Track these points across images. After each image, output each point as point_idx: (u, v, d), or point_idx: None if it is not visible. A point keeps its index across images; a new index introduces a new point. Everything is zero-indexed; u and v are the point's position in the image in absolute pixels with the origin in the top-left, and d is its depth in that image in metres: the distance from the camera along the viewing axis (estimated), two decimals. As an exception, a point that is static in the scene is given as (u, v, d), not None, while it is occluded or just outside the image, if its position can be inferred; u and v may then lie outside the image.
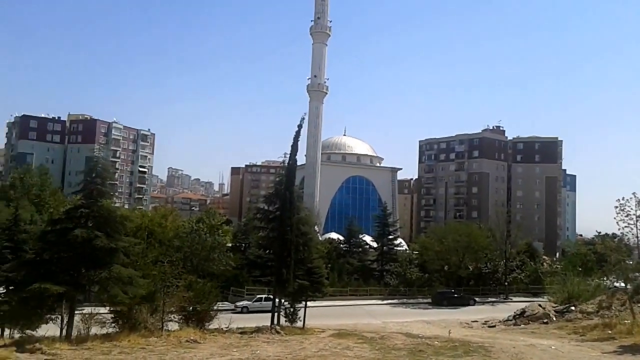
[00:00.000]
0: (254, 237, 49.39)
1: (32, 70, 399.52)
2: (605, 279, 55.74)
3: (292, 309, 36.04)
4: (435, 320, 45.04)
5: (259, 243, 39.78)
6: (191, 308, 30.49)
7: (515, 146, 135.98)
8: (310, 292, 36.33)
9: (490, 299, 63.68)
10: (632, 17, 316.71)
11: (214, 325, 30.97)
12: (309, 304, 37.38)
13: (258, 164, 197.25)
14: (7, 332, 28.76)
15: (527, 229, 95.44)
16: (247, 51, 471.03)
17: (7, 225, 36.96)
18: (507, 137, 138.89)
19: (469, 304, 58.95)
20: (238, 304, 50.25)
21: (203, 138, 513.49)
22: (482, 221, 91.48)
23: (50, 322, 27.47)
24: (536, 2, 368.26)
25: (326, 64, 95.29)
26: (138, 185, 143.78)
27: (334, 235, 79.77)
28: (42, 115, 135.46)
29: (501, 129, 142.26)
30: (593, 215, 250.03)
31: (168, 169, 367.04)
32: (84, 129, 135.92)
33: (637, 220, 35.08)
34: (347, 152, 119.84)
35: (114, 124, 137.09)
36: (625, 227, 35.33)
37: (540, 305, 42.03)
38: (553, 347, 27.30)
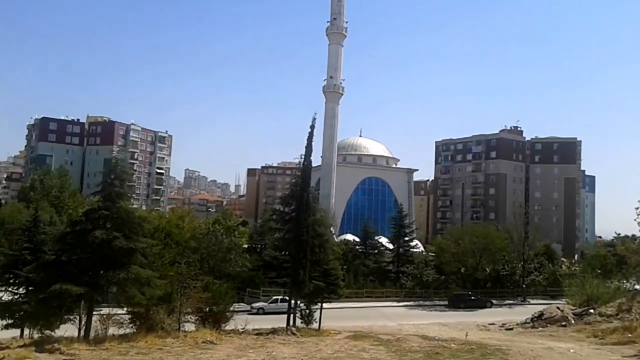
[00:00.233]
0: (270, 238, 49.59)
1: (52, 73, 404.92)
2: (625, 281, 55.19)
3: (307, 311, 36.03)
4: (451, 323, 44.75)
5: (274, 244, 39.88)
6: (208, 309, 30.63)
7: (533, 147, 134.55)
8: (326, 294, 36.32)
9: (507, 302, 63.15)
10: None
11: (230, 326, 31.08)
12: (324, 305, 37.35)
13: (274, 165, 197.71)
14: (26, 332, 29.17)
15: (545, 230, 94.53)
16: (264, 52, 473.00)
17: (26, 226, 37.32)
18: (525, 138, 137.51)
19: (485, 307, 58.47)
20: (254, 305, 50.38)
21: (220, 139, 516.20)
22: (500, 223, 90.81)
23: (69, 322, 27.83)
24: (555, 3, 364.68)
25: (342, 65, 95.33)
26: (155, 186, 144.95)
27: (349, 237, 79.68)
28: (62, 118, 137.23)
29: (519, 129, 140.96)
30: (612, 217, 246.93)
31: (185, 170, 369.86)
32: (103, 131, 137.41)
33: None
34: (363, 153, 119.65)
35: (132, 126, 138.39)
36: (646, 228, 34.77)
37: (558, 308, 41.51)
38: (572, 351, 26.96)
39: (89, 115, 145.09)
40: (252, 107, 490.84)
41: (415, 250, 71.70)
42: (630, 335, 30.36)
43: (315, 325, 35.36)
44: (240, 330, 30.48)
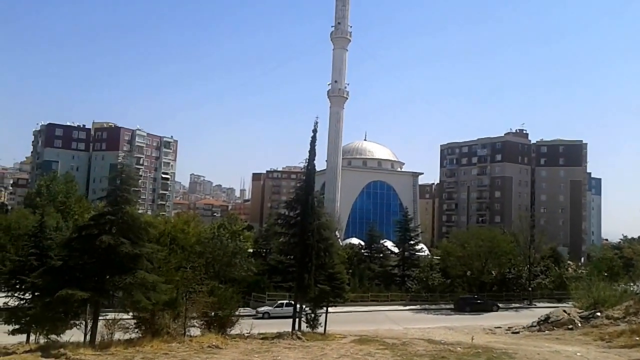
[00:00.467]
0: (275, 242, 49.64)
1: (57, 79, 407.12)
2: (632, 283, 54.90)
3: (313, 315, 36.01)
4: (457, 327, 44.61)
5: (280, 249, 39.91)
6: (213, 314, 30.62)
7: (538, 149, 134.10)
8: (332, 298, 36.30)
9: (513, 305, 62.95)
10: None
11: (235, 330, 31.04)
12: (330, 309, 37.33)
13: (279, 169, 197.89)
14: (32, 337, 29.23)
15: (551, 233, 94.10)
16: (269, 56, 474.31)
17: (33, 232, 37.50)
18: (530, 141, 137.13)
19: (492, 310, 58.30)
20: (259, 309, 50.40)
21: (224, 144, 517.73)
22: (506, 226, 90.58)
23: (75, 327, 27.87)
24: (560, 5, 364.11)
25: (347, 69, 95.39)
26: (161, 191, 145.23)
27: (355, 241, 79.67)
28: (67, 124, 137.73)
29: (524, 132, 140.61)
30: (619, 219, 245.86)
31: (190, 175, 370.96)
32: (108, 137, 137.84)
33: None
34: (367, 157, 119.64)
35: (137, 132, 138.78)
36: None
37: (565, 311, 41.28)
38: (578, 354, 26.80)
39: (95, 121, 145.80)
40: (256, 112, 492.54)
41: (420, 253, 71.61)
42: (637, 338, 30.14)
43: (320, 330, 35.31)
44: (246, 335, 30.43)
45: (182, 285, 29.86)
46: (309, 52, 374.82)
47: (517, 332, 40.17)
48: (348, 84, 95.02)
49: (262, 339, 29.91)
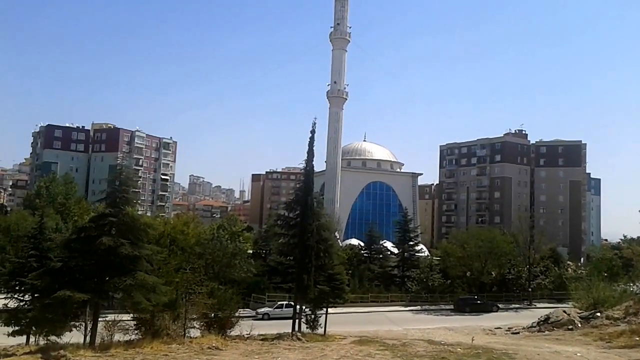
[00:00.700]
0: (275, 243, 49.63)
1: (57, 80, 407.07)
2: (632, 284, 54.92)
3: (313, 316, 36.01)
4: (457, 327, 44.62)
5: (279, 250, 39.89)
6: (213, 315, 30.61)
7: (538, 150, 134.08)
8: (331, 299, 36.29)
9: (513, 305, 62.94)
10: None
11: (235, 332, 31.03)
12: (330, 310, 37.32)
13: (278, 170, 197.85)
14: (32, 339, 29.20)
15: (550, 234, 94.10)
16: (268, 57, 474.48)
17: (32, 233, 37.47)
18: (529, 141, 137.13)
19: (491, 311, 58.32)
20: (259, 310, 50.38)
21: (224, 145, 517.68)
22: (505, 226, 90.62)
23: (74, 329, 27.84)
24: (560, 6, 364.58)
25: (346, 70, 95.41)
26: (160, 192, 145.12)
27: (354, 242, 79.63)
28: (67, 125, 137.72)
29: (523, 132, 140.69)
30: (618, 220, 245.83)
31: (189, 176, 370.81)
32: (108, 138, 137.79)
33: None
34: (367, 157, 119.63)
35: (136, 133, 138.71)
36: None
37: (564, 312, 41.29)
38: (579, 354, 26.80)
39: (94, 122, 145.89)
40: (256, 113, 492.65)
41: (420, 254, 71.59)
42: (638, 339, 30.14)
43: (320, 331, 35.30)
44: (246, 336, 30.43)
45: (181, 286, 29.85)
46: (308, 53, 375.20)
47: (517, 333, 40.16)
48: (347, 85, 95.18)
49: (262, 340, 29.91)
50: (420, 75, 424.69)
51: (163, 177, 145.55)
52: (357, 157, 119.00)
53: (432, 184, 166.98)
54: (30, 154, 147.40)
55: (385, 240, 75.01)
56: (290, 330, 33.14)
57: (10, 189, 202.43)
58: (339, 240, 73.23)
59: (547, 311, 44.68)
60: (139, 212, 78.54)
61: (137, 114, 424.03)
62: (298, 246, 34.72)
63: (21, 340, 29.20)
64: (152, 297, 25.68)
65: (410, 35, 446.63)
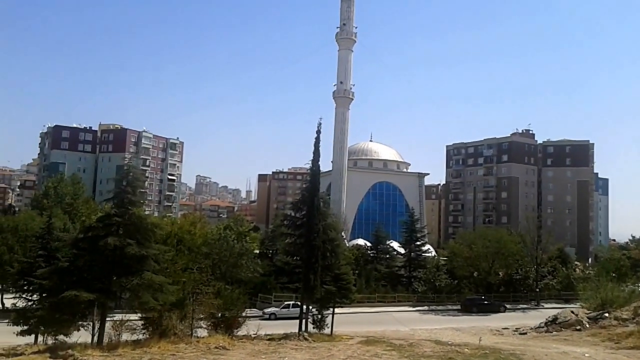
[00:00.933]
0: (281, 243, 49.61)
1: (64, 81, 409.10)
2: (640, 284, 54.55)
3: (319, 316, 35.98)
4: (464, 328, 44.49)
5: (286, 250, 39.88)
6: (220, 315, 30.66)
7: (545, 150, 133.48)
8: (338, 299, 36.26)
9: (521, 306, 62.67)
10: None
11: (242, 332, 31.08)
12: (336, 310, 37.30)
13: (285, 170, 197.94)
14: (40, 338, 29.34)
15: (558, 234, 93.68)
16: (274, 58, 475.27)
17: (40, 233, 37.75)
18: (536, 141, 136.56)
19: (499, 311, 58.07)
20: (266, 310, 50.38)
21: (230, 145, 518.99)
22: (512, 226, 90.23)
23: (82, 328, 27.96)
24: (567, 7, 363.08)
25: (352, 70, 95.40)
26: (167, 193, 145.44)
27: (361, 242, 79.54)
28: (74, 126, 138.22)
29: (531, 132, 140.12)
30: (626, 220, 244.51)
31: (196, 176, 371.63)
32: (115, 138, 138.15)
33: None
34: (373, 158, 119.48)
35: (143, 133, 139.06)
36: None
37: (572, 312, 41.10)
38: (587, 355, 26.67)
39: (101, 123, 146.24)
40: (262, 113, 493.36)
41: (427, 254, 71.42)
42: (646, 339, 29.97)
43: (327, 331, 35.28)
44: (253, 336, 30.47)
45: (189, 286, 29.91)
46: (314, 53, 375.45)
47: (525, 333, 40.00)
48: (353, 85, 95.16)
49: (269, 340, 29.94)
50: (426, 75, 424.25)
51: (170, 177, 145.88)
52: (363, 157, 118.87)
53: (439, 184, 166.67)
54: (38, 154, 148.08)
55: (391, 241, 74.85)
56: (297, 330, 33.15)
57: (18, 190, 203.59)
58: (345, 240, 73.18)
59: (554, 311, 44.48)
60: (146, 212, 78.68)
61: (144, 115, 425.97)
62: (304, 246, 34.73)
63: (30, 339, 29.34)
64: (159, 297, 25.78)
65: (417, 35, 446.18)
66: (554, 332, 38.14)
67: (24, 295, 31.57)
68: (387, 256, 70.93)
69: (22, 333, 28.80)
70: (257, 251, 63.61)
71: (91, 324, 27.74)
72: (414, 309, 58.95)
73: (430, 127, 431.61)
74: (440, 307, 60.12)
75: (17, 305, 31.23)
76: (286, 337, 30.93)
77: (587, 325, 37.83)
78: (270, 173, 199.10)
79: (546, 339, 35.87)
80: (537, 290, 65.58)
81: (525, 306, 62.77)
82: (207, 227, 67.48)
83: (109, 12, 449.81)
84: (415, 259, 69.25)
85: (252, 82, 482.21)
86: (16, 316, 29.25)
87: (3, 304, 46.95)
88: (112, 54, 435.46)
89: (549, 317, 41.90)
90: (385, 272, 67.25)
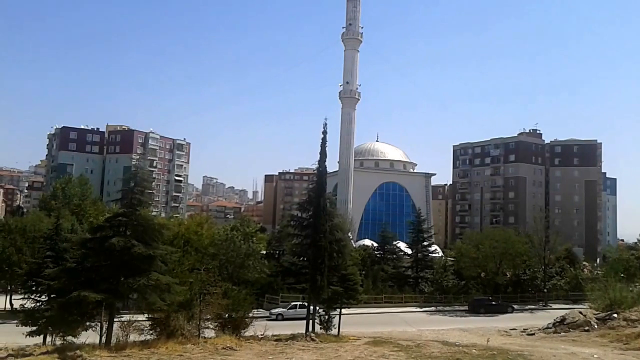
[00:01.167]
0: (288, 244, 49.62)
1: (71, 83, 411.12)
2: (649, 285, 54.17)
3: (326, 317, 35.97)
4: (472, 328, 44.35)
5: (292, 250, 39.86)
6: (227, 315, 30.67)
7: (552, 149, 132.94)
8: (345, 299, 36.27)
9: (529, 306, 62.46)
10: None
11: (249, 332, 31.09)
12: (343, 311, 37.28)
13: (291, 171, 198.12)
14: (49, 339, 29.47)
15: (566, 234, 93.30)
16: (280, 58, 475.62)
17: (48, 234, 37.94)
18: (544, 141, 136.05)
19: (506, 312, 57.90)
20: (273, 311, 50.41)
21: (237, 146, 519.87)
22: (520, 227, 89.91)
23: (90, 329, 28.07)
24: (575, 5, 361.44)
25: (358, 70, 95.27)
26: (174, 193, 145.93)
27: (367, 242, 79.45)
28: (82, 127, 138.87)
29: (538, 132, 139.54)
30: (635, 220, 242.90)
31: (203, 177, 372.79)
32: (122, 140, 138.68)
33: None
34: (380, 158, 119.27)
35: (150, 134, 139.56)
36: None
37: (581, 313, 40.88)
38: (595, 356, 26.52)
39: (109, 124, 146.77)
40: (268, 114, 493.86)
41: (434, 255, 71.28)
42: (655, 340, 29.78)
43: (334, 331, 35.27)
44: (260, 337, 30.48)
45: (196, 286, 29.95)
46: (320, 54, 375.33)
47: (533, 334, 39.83)
48: (360, 85, 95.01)
49: (276, 340, 29.94)
50: (432, 75, 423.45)
51: (177, 178, 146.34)
52: (369, 158, 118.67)
53: (446, 184, 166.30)
54: (46, 155, 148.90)
55: (398, 241, 74.80)
56: (304, 331, 33.13)
57: (26, 191, 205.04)
58: (352, 241, 73.11)
59: (562, 312, 44.27)
60: (153, 213, 79.03)
61: (151, 116, 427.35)
62: (311, 247, 34.71)
63: (38, 340, 29.46)
64: (166, 297, 25.84)
65: (422, 35, 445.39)
66: (562, 333, 37.96)
67: (32, 296, 31.70)
68: (394, 257, 70.86)
69: (31, 334, 28.96)
70: (264, 252, 63.65)
71: (99, 324, 27.85)
72: (421, 309, 58.85)
73: (437, 127, 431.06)
74: (447, 308, 60.00)
75: (25, 306, 31.35)
76: (293, 337, 30.93)
77: (596, 326, 37.63)
78: (277, 174, 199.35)
79: (554, 339, 35.71)
80: (545, 290, 65.31)
81: (533, 307, 62.54)
82: (214, 227, 67.56)
83: (117, 14, 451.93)
84: (422, 260, 69.13)
85: (258, 82, 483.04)
86: (25, 317, 29.38)
87: (12, 304, 47.20)
88: (120, 55, 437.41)
89: (557, 317, 41.71)
90: (392, 272, 67.17)
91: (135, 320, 28.20)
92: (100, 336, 27.26)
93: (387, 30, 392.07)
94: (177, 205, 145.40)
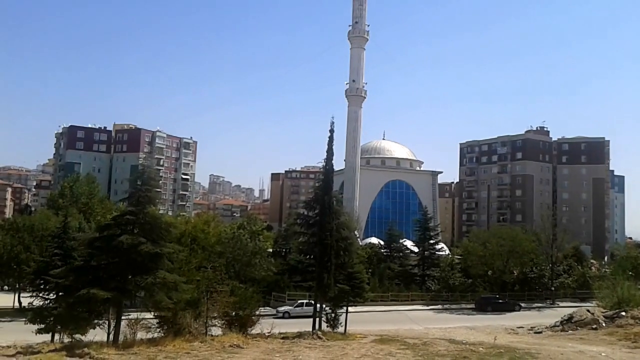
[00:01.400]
0: (295, 242, 49.69)
1: (79, 82, 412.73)
2: (658, 283, 53.83)
3: (333, 315, 36.01)
4: (479, 326, 44.26)
5: (299, 248, 39.94)
6: (234, 313, 30.74)
7: (560, 147, 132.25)
8: (351, 297, 36.31)
9: (536, 305, 62.29)
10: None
11: (256, 330, 31.14)
12: (350, 309, 37.30)
13: (297, 169, 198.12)
14: (57, 336, 29.65)
15: (573, 232, 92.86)
16: (286, 56, 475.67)
17: (56, 233, 38.14)
18: (551, 138, 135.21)
19: (514, 310, 57.71)
20: (280, 309, 50.52)
21: (243, 145, 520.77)
22: (527, 225, 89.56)
23: (98, 327, 28.23)
24: (581, 3, 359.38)
25: (364, 68, 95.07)
26: (181, 192, 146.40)
27: (374, 240, 79.40)
28: (89, 126, 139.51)
29: (545, 129, 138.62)
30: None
31: (210, 175, 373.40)
32: (129, 138, 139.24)
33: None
34: (386, 156, 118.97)
35: (157, 133, 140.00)
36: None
37: (588, 311, 40.71)
38: (603, 354, 26.39)
39: (116, 123, 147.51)
40: (275, 112, 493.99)
41: (440, 253, 71.13)
42: (664, 339, 29.60)
43: (341, 329, 35.31)
44: (267, 334, 30.53)
45: (203, 285, 30.03)
46: (327, 52, 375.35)
47: (540, 332, 39.70)
48: (366, 83, 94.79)
49: (282, 338, 29.96)
50: (439, 73, 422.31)
51: (184, 176, 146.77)
52: (376, 156, 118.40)
53: (452, 182, 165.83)
54: (54, 154, 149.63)
55: (405, 239, 74.68)
56: (310, 329, 33.17)
57: (34, 189, 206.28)
58: (358, 239, 73.05)
59: (570, 310, 44.06)
60: (160, 212, 79.05)
61: (158, 115, 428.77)
62: (318, 245, 34.75)
63: (46, 337, 29.65)
64: (173, 296, 25.92)
65: (430, 33, 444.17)
66: (570, 331, 37.80)
67: (40, 294, 31.90)
68: (401, 255, 70.80)
69: (39, 331, 29.15)
70: (271, 250, 63.77)
71: (107, 322, 28.01)
72: (428, 307, 58.79)
73: (443, 125, 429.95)
74: (454, 306, 59.90)
75: (33, 304, 31.56)
76: (300, 335, 30.95)
77: (604, 324, 37.45)
78: (283, 172, 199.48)
79: (562, 338, 35.56)
80: (553, 288, 65.09)
81: (540, 305, 62.36)
82: (220, 226, 67.69)
83: (124, 14, 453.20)
84: (428, 258, 69.02)
85: (264, 81, 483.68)
86: (33, 315, 29.61)
87: (20, 302, 47.52)
88: (127, 54, 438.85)
89: (565, 316, 41.54)
90: (399, 270, 67.13)
91: (143, 318, 28.34)
92: (108, 334, 27.43)
93: (392, 29, 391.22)
94: (184, 203, 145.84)
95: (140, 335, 27.28)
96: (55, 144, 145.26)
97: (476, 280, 65.01)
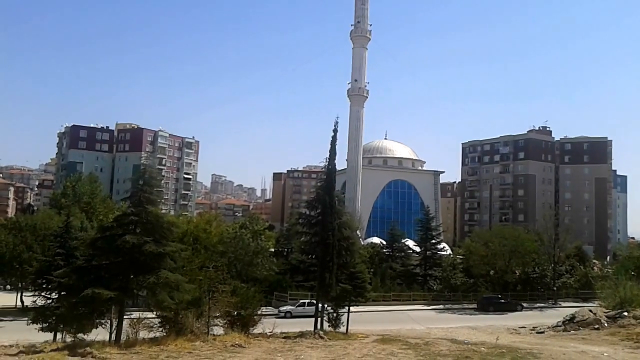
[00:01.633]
0: (296, 242, 49.71)
1: (81, 81, 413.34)
2: (660, 283, 53.69)
3: (335, 314, 35.99)
4: (481, 326, 44.22)
5: (301, 248, 39.95)
6: (236, 313, 30.76)
7: (562, 147, 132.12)
8: (353, 297, 36.27)
9: (538, 305, 62.20)
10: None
11: (258, 330, 31.17)
12: (352, 309, 37.28)
13: (299, 169, 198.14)
14: (59, 336, 29.71)
15: (576, 232, 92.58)
16: (289, 56, 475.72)
17: (59, 232, 38.22)
18: (553, 138, 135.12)
19: (516, 310, 57.66)
20: (281, 308, 50.53)
21: (245, 144, 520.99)
22: (529, 224, 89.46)
23: (100, 326, 28.27)
24: (583, 3, 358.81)
25: (366, 67, 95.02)
26: (183, 191, 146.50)
27: (376, 240, 79.36)
28: (91, 125, 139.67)
29: (548, 129, 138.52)
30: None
31: (212, 175, 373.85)
32: (131, 138, 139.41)
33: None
34: (388, 155, 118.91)
35: (159, 133, 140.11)
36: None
37: (590, 311, 40.65)
38: (605, 354, 26.35)
39: (118, 123, 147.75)
40: (277, 112, 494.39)
41: (442, 253, 71.07)
42: (666, 339, 29.54)
43: (343, 329, 35.29)
44: (269, 334, 30.55)
45: (205, 284, 30.05)
46: (329, 51, 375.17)
47: (542, 332, 39.65)
48: (368, 83, 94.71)
49: (284, 338, 29.99)
50: (441, 72, 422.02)
51: (186, 176, 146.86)
52: (378, 155, 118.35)
53: (454, 182, 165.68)
54: (56, 154, 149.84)
55: (407, 239, 74.65)
56: (312, 329, 33.17)
57: (36, 189, 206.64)
58: (360, 239, 73.08)
59: (572, 310, 43.99)
60: (163, 211, 79.15)
61: (160, 114, 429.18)
62: (320, 244, 34.74)
63: (48, 337, 29.74)
64: (175, 295, 25.92)
65: (432, 33, 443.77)
66: (572, 331, 37.76)
67: (43, 294, 31.97)
68: (403, 254, 70.76)
69: (43, 330, 29.22)
70: (273, 249, 63.79)
71: (109, 321, 28.05)
72: (430, 307, 58.75)
73: (446, 125, 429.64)
74: (456, 306, 59.84)
75: (36, 303, 31.62)
76: (302, 335, 30.96)
77: (606, 325, 37.40)
78: (285, 171, 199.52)
79: (564, 338, 35.52)
80: (555, 289, 65.00)
81: (542, 305, 62.27)
82: (222, 225, 67.79)
83: (127, 13, 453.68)
84: (430, 257, 68.97)
85: (266, 80, 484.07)
86: (35, 314, 29.68)
87: (22, 302, 47.63)
88: (129, 54, 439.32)
89: (567, 316, 41.49)
90: (401, 270, 67.09)
91: (145, 318, 28.38)
92: (110, 333, 27.48)
93: (394, 28, 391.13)
94: (186, 203, 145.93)
95: (142, 334, 27.31)
96: (57, 143, 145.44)
97: (478, 280, 64.95)
